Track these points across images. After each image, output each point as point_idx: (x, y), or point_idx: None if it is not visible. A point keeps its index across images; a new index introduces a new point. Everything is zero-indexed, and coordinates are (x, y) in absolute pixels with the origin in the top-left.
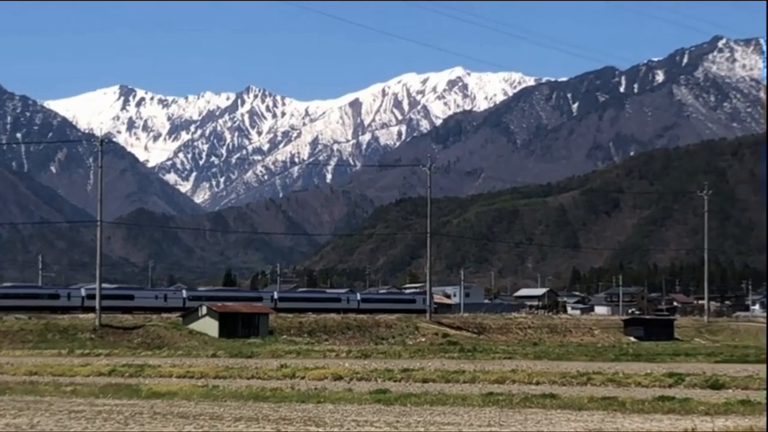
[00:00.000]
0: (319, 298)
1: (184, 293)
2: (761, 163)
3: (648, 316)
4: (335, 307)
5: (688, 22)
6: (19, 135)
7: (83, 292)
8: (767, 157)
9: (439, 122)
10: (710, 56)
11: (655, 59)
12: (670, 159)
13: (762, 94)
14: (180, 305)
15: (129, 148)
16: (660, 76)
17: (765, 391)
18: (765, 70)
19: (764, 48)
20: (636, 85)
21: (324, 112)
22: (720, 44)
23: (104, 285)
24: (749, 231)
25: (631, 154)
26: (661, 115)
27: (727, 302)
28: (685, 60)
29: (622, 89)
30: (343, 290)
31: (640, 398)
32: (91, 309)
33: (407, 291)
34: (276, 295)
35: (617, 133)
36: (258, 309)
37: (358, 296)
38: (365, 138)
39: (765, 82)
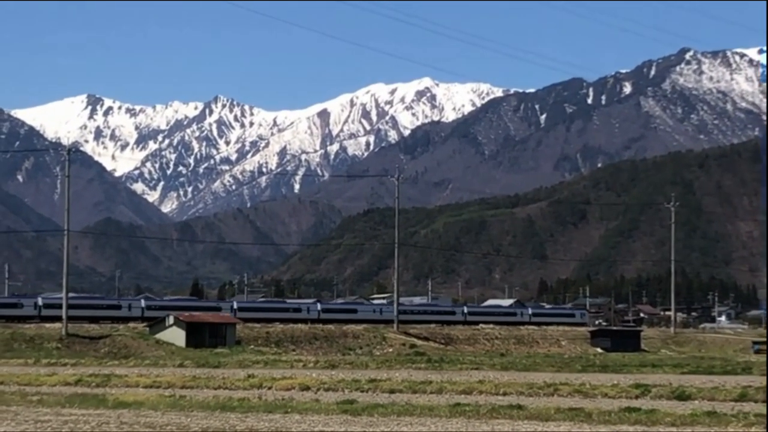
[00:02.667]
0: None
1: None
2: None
3: (615, 327)
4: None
5: (656, 35)
6: None
7: (235, 305)
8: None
9: (407, 133)
10: (677, 68)
11: (623, 71)
12: (637, 171)
13: (729, 106)
14: (379, 318)
15: (96, 158)
16: (627, 88)
17: (731, 402)
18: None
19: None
20: (603, 97)
21: (292, 122)
22: (687, 56)
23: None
24: (715, 243)
25: (599, 165)
26: (629, 126)
27: (693, 313)
28: (653, 72)
29: (589, 101)
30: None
31: (607, 409)
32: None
33: (375, 302)
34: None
35: (585, 144)
36: (225, 319)
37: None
38: (333, 148)
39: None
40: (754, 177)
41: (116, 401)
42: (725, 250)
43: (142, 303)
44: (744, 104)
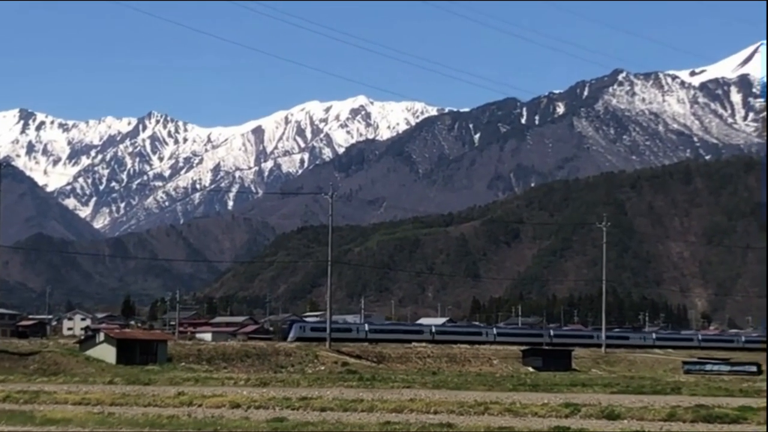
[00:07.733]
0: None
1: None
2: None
3: (546, 347)
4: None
5: (589, 56)
6: None
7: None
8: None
9: (341, 150)
10: (610, 89)
11: (556, 91)
12: (570, 190)
13: (660, 128)
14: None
15: (28, 172)
16: (561, 108)
17: (660, 422)
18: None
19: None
20: (537, 117)
21: (226, 139)
22: (620, 77)
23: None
24: (647, 263)
25: (532, 185)
26: (562, 146)
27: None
28: (586, 93)
29: (523, 120)
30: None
31: (537, 428)
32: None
33: (308, 319)
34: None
35: (518, 164)
36: (156, 336)
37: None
38: (267, 165)
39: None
40: (686, 198)
41: (44, 418)
42: (656, 271)
43: (366, 327)
44: (676, 126)
